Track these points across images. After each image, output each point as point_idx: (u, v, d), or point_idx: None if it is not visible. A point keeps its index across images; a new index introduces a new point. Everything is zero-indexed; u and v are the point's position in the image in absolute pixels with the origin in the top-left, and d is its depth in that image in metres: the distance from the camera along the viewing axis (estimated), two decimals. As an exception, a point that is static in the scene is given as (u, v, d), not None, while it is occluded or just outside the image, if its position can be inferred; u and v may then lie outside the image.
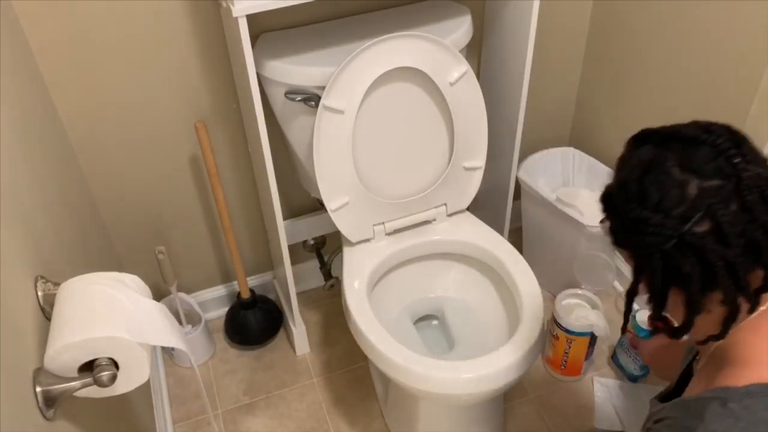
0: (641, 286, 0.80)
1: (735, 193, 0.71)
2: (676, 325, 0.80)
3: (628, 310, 0.87)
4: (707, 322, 0.77)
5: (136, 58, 1.35)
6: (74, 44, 1.29)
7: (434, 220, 1.52)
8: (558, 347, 1.61)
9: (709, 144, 0.73)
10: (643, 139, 0.80)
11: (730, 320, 0.75)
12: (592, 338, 1.59)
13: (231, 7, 1.11)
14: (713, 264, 0.71)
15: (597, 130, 1.81)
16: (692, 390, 0.85)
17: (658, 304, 0.78)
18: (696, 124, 0.77)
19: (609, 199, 0.81)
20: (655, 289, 0.77)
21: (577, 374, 1.65)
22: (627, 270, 1.79)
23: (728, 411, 0.71)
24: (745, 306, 0.75)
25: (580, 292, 1.62)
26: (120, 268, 1.11)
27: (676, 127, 0.77)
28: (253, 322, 1.75)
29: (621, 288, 1.84)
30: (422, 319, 1.59)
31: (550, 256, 1.76)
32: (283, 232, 1.46)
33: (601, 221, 0.85)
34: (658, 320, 0.82)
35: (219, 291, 1.84)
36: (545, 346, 1.66)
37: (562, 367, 1.64)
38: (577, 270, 1.65)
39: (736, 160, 0.72)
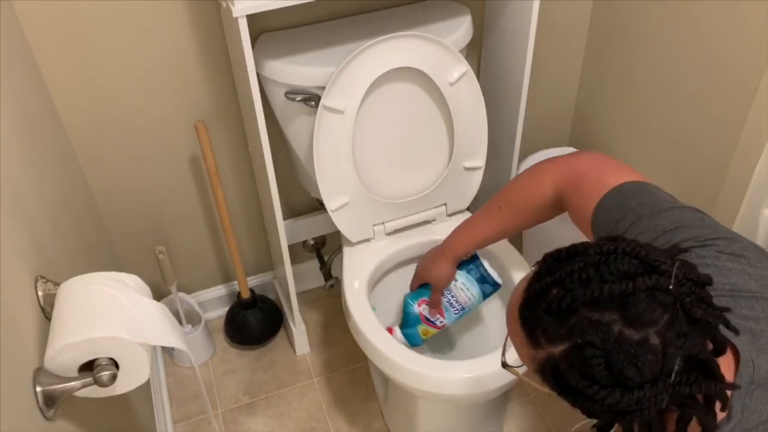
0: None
1: (686, 316, 0.66)
2: None
3: None
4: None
5: (136, 58, 1.35)
6: (74, 44, 1.29)
7: (434, 220, 1.52)
8: None
9: (641, 290, 0.65)
10: (568, 309, 0.67)
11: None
12: None
13: (231, 7, 1.11)
14: (709, 389, 0.67)
15: (597, 130, 1.81)
16: None
17: None
18: (609, 275, 0.66)
19: (560, 377, 0.69)
20: None
21: None
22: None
23: None
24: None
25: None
26: (120, 268, 1.10)
27: (597, 289, 0.66)
28: (253, 322, 1.75)
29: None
30: (422, 319, 1.59)
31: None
32: (283, 232, 1.46)
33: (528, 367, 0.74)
34: None
35: (219, 291, 1.84)
36: None
37: None
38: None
39: (670, 287, 0.66)
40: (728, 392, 0.69)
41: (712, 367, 0.66)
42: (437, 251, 1.33)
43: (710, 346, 0.69)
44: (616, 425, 0.73)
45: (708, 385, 0.66)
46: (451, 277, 1.32)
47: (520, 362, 0.77)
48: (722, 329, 0.70)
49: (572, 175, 1.00)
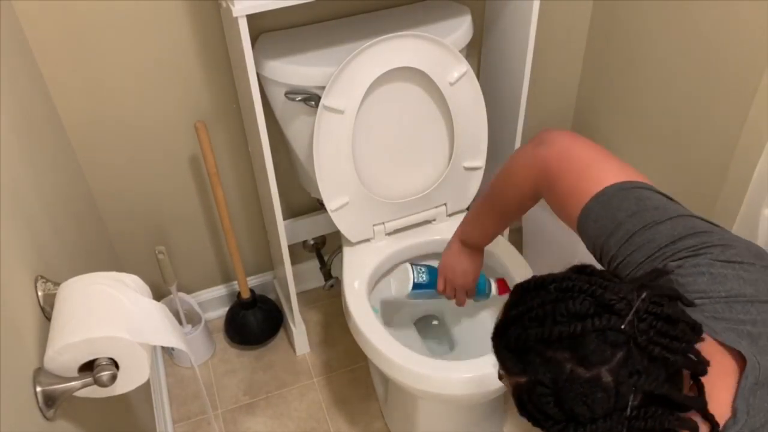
0: None
1: (640, 353, 0.65)
2: None
3: None
4: None
5: (136, 58, 1.35)
6: (74, 44, 1.29)
7: (434, 220, 1.52)
8: None
9: (589, 332, 0.65)
10: (524, 347, 0.69)
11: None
12: None
13: (231, 7, 1.11)
14: (667, 425, 0.66)
15: (597, 130, 1.81)
16: None
17: None
18: (555, 316, 0.67)
19: (526, 407, 0.72)
20: None
21: None
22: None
23: None
24: None
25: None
26: (120, 268, 1.10)
27: (548, 330, 0.67)
28: (253, 322, 1.75)
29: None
30: (422, 319, 1.59)
31: (550, 257, 1.75)
32: (283, 232, 1.46)
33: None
34: None
35: (219, 291, 1.84)
36: None
37: None
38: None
39: (622, 326, 0.65)
40: (697, 417, 0.68)
41: (675, 398, 0.66)
42: (460, 251, 1.29)
43: (687, 373, 0.69)
44: None
45: (667, 419, 0.66)
46: (479, 269, 1.31)
47: None
48: (728, 334, 0.71)
49: (544, 175, 0.96)
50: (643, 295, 0.68)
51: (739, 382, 0.71)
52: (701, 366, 0.69)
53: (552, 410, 0.67)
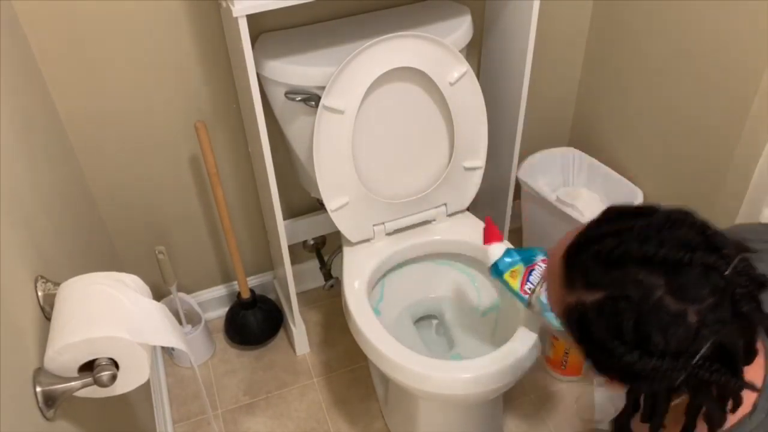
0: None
1: (731, 306, 0.66)
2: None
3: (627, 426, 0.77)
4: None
5: (136, 58, 1.35)
6: (74, 44, 1.29)
7: (434, 220, 1.52)
8: (558, 348, 1.61)
9: (697, 265, 0.65)
10: (616, 259, 0.68)
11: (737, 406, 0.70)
12: None
13: (231, 7, 1.11)
14: (725, 384, 0.67)
15: (597, 130, 1.81)
16: None
17: (658, 422, 0.72)
18: (672, 239, 0.66)
19: (586, 325, 0.69)
20: (655, 416, 0.71)
21: (577, 374, 1.65)
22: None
23: None
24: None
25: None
26: (120, 268, 1.11)
27: (655, 245, 0.66)
28: (253, 322, 1.75)
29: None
30: (422, 319, 1.59)
31: (550, 256, 1.75)
32: (283, 232, 1.46)
33: (555, 309, 0.75)
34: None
35: (219, 291, 1.84)
36: (545, 347, 1.66)
37: (563, 367, 1.64)
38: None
39: (726, 272, 0.65)
40: (744, 393, 0.68)
41: (737, 363, 0.66)
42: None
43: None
44: (636, 418, 0.73)
45: (728, 378, 0.65)
46: None
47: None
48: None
49: None
50: (742, 254, 0.67)
51: (763, 382, 0.71)
52: (756, 351, 0.69)
53: (628, 330, 0.65)
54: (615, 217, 0.72)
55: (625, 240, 0.67)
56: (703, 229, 0.68)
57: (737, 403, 0.68)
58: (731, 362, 0.66)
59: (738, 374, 0.67)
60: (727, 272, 0.65)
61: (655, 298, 0.65)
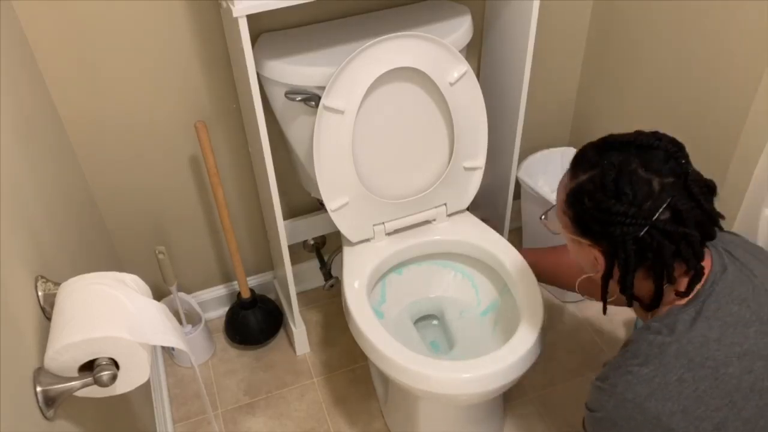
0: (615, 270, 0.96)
1: (684, 187, 0.90)
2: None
3: (605, 293, 1.01)
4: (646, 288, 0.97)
5: (136, 58, 1.35)
6: (74, 44, 1.29)
7: (434, 220, 1.52)
8: None
9: (662, 149, 0.92)
10: (607, 146, 0.97)
11: (694, 282, 0.93)
12: None
13: (231, 7, 1.11)
14: (679, 241, 0.90)
15: (597, 130, 1.81)
16: None
17: (629, 282, 0.94)
18: (645, 133, 0.95)
19: (580, 195, 0.95)
20: (627, 269, 0.93)
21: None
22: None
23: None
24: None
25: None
26: (120, 268, 1.11)
27: (632, 136, 0.96)
28: (253, 322, 1.75)
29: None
30: (422, 319, 1.59)
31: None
32: (283, 232, 1.46)
33: (559, 212, 1.03)
34: (625, 295, 0.97)
35: (219, 291, 1.84)
36: None
37: None
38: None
39: (683, 161, 0.92)
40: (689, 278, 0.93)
41: (687, 223, 0.89)
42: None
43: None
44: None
45: (679, 232, 0.89)
46: None
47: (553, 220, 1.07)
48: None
49: None
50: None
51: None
52: (717, 221, 0.93)
53: (609, 184, 0.91)
54: (609, 136, 1.00)
55: (611, 138, 0.98)
56: (674, 139, 0.95)
57: (689, 261, 0.91)
58: (683, 222, 0.89)
59: (688, 239, 0.90)
60: (684, 161, 0.92)
61: (630, 168, 0.91)
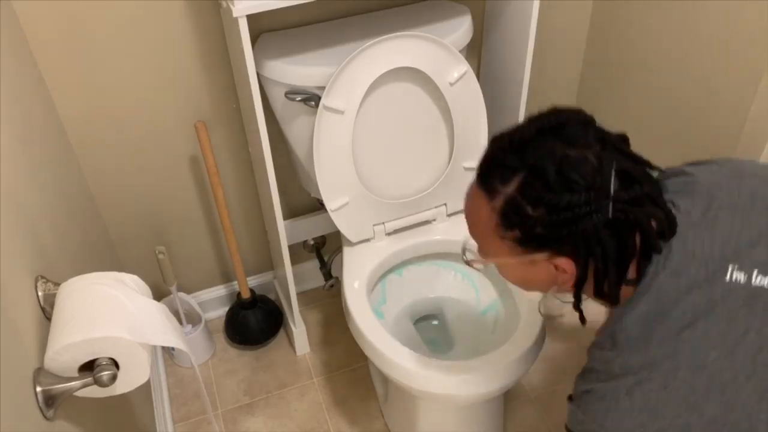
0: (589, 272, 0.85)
1: (614, 148, 0.82)
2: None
3: (580, 301, 0.91)
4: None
5: (136, 58, 1.35)
6: (74, 44, 1.29)
7: (434, 220, 1.52)
8: None
9: (573, 121, 0.83)
10: (517, 146, 0.83)
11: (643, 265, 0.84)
12: None
13: (231, 7, 1.11)
14: (644, 202, 0.81)
15: (597, 130, 1.81)
16: None
17: (615, 274, 0.83)
18: (544, 115, 0.84)
19: (519, 208, 0.81)
20: (607, 260, 0.82)
21: None
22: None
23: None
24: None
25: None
26: (120, 268, 1.11)
27: (534, 124, 0.83)
28: (253, 322, 1.75)
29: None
30: (422, 319, 1.59)
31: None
32: (283, 232, 1.46)
33: (490, 241, 0.87)
34: (617, 289, 0.86)
35: (219, 291, 1.84)
36: None
37: None
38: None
39: (597, 126, 0.84)
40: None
41: (640, 181, 0.81)
42: None
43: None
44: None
45: (642, 193, 0.80)
46: None
47: (478, 257, 0.92)
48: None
49: None
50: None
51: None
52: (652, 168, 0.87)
53: (554, 179, 0.79)
54: (499, 136, 0.86)
55: (515, 132, 0.84)
56: (583, 112, 0.85)
57: (658, 217, 0.82)
58: (635, 181, 0.81)
59: (648, 191, 0.81)
60: (597, 127, 0.83)
61: (561, 154, 0.79)
